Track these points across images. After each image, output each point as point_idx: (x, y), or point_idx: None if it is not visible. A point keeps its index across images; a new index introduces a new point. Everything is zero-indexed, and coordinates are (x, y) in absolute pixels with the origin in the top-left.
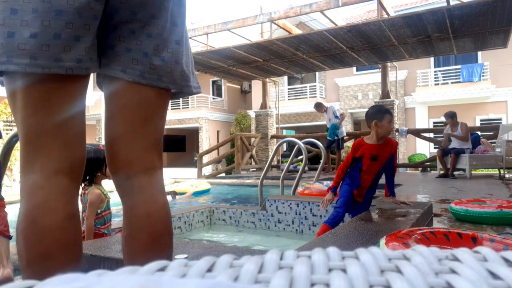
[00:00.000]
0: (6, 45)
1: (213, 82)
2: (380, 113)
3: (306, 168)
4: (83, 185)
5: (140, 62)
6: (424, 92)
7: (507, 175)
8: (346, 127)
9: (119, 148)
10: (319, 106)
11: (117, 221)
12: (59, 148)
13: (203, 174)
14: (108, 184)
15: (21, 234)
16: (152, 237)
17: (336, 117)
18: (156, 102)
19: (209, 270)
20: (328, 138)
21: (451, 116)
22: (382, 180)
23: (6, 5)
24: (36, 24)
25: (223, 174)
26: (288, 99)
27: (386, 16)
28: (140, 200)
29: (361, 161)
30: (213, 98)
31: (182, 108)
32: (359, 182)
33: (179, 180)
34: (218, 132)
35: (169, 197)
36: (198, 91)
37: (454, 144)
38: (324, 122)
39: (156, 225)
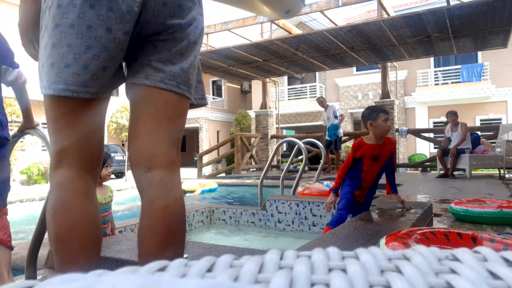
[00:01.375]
0: (49, 73)
1: (213, 82)
2: (374, 112)
3: (306, 168)
4: None
5: (161, 70)
6: (424, 92)
7: (507, 175)
8: (346, 127)
9: (144, 142)
10: (321, 101)
11: (117, 221)
12: (81, 151)
13: (203, 174)
14: (111, 184)
15: (51, 211)
16: (169, 229)
17: (336, 117)
18: (177, 104)
19: (209, 270)
20: (327, 138)
21: (455, 114)
22: (382, 180)
23: (48, 39)
24: (70, 56)
25: (223, 174)
26: (288, 99)
27: (386, 16)
28: (160, 193)
29: (362, 162)
30: (213, 98)
31: None
32: (360, 183)
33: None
34: (218, 132)
35: None
36: (204, 103)
37: (454, 144)
38: (322, 122)
39: (173, 218)
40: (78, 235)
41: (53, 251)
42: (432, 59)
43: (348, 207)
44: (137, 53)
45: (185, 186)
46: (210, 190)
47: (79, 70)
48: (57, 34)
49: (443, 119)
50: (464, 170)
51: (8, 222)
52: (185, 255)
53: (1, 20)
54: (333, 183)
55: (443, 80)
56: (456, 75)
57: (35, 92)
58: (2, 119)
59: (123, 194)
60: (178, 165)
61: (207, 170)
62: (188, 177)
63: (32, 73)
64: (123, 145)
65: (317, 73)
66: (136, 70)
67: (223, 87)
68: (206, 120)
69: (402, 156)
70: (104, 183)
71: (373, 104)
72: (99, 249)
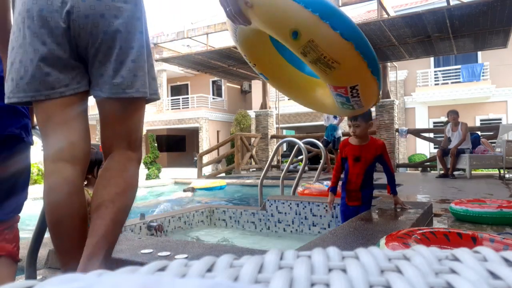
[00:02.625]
0: (11, 85)
1: (213, 82)
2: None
3: (306, 168)
4: None
5: (107, 82)
6: (424, 92)
7: (507, 175)
8: (346, 127)
9: (105, 143)
10: None
11: None
12: (63, 142)
13: (203, 174)
14: None
15: (46, 199)
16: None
17: (335, 117)
18: (129, 109)
19: (209, 270)
20: (324, 138)
21: (457, 114)
22: (384, 180)
23: (10, 59)
24: (21, 70)
25: (223, 174)
26: (288, 99)
27: (386, 16)
28: (116, 165)
29: (347, 162)
30: (213, 98)
31: (182, 108)
32: (348, 183)
33: (179, 180)
34: (218, 132)
35: (189, 193)
36: (156, 98)
37: (454, 144)
38: (322, 122)
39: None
40: (68, 220)
41: (52, 235)
42: (432, 59)
43: (344, 220)
44: (91, 70)
45: (193, 184)
46: (220, 187)
47: (29, 79)
48: (12, 54)
49: (443, 119)
50: (464, 170)
51: (18, 231)
52: (185, 255)
53: None
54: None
55: (443, 80)
56: (456, 75)
57: None
58: (28, 123)
59: None
60: (135, 160)
61: (207, 170)
62: (188, 177)
63: None
64: None
65: None
66: (93, 85)
67: (223, 87)
68: (206, 120)
69: (402, 156)
70: None
71: None
72: (86, 224)
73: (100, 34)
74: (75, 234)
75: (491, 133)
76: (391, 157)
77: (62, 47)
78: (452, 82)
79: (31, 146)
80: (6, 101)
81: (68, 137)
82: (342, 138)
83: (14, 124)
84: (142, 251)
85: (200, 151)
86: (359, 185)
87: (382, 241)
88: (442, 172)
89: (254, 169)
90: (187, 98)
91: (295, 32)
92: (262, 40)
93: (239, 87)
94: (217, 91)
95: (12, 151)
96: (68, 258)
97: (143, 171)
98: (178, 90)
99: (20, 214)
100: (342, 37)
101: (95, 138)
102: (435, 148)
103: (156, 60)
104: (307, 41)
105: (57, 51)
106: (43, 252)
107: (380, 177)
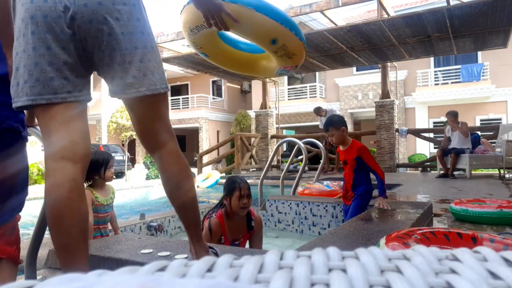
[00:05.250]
0: (16, 90)
1: (213, 82)
2: (343, 122)
3: (306, 168)
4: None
5: (119, 84)
6: (424, 92)
7: (507, 175)
8: None
9: (143, 137)
10: (318, 111)
11: (118, 222)
12: (64, 142)
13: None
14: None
15: (47, 196)
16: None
17: None
18: (147, 104)
19: (209, 270)
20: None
21: (455, 115)
22: (388, 181)
23: (14, 65)
24: (25, 74)
25: (223, 174)
26: (288, 99)
27: (386, 16)
28: (163, 163)
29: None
30: (213, 98)
31: (182, 108)
32: (344, 184)
33: None
34: (218, 132)
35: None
36: (167, 90)
37: (454, 144)
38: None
39: (177, 177)
40: (66, 216)
41: (51, 229)
42: (432, 59)
43: (345, 218)
44: (104, 75)
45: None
46: (217, 181)
47: (33, 83)
48: (16, 60)
49: (443, 119)
50: (464, 170)
51: (19, 232)
52: (185, 255)
53: None
54: (334, 183)
55: (443, 80)
56: (456, 75)
57: None
58: (24, 118)
59: (123, 194)
60: (171, 141)
61: (207, 170)
62: None
63: None
64: (123, 145)
65: (317, 73)
66: (110, 87)
67: (223, 87)
68: (206, 120)
69: (402, 156)
70: (107, 183)
71: (373, 104)
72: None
73: (104, 37)
74: (74, 231)
75: (491, 133)
76: (391, 157)
77: (67, 52)
78: (452, 82)
79: (31, 147)
80: (13, 105)
81: (69, 137)
82: None
83: (12, 118)
84: (142, 251)
85: (200, 151)
86: (350, 185)
87: (382, 241)
88: (442, 172)
89: (254, 169)
90: (187, 98)
91: (274, 40)
92: (212, 34)
93: (239, 87)
94: (217, 91)
95: (11, 145)
96: (68, 257)
97: (143, 171)
98: (178, 90)
99: (21, 215)
100: (300, 40)
101: (95, 138)
102: (435, 148)
103: None
104: (281, 45)
105: (62, 55)
106: (43, 252)
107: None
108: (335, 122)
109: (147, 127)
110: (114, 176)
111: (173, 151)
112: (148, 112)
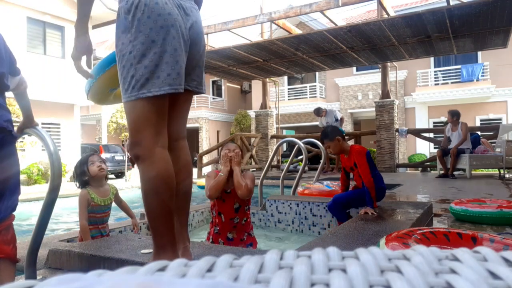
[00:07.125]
0: (154, 83)
1: (213, 82)
2: (338, 132)
3: (306, 168)
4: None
5: (194, 80)
6: (424, 92)
7: (507, 175)
8: (346, 127)
9: (175, 131)
10: (318, 111)
11: (118, 221)
12: (164, 132)
13: (203, 174)
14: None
15: (158, 180)
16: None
17: (337, 120)
18: (191, 100)
19: (209, 270)
20: None
21: (454, 115)
22: (388, 180)
23: (153, 62)
24: (168, 68)
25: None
26: (288, 99)
27: (386, 16)
28: (182, 153)
29: (352, 172)
30: (213, 98)
31: None
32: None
33: None
34: (218, 132)
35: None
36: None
37: (454, 144)
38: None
39: (189, 166)
40: (171, 189)
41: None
42: (432, 59)
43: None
44: (189, 72)
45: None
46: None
47: (176, 75)
48: (155, 57)
49: (443, 119)
50: (464, 170)
51: (14, 231)
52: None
53: (2, 24)
54: (333, 183)
55: (443, 80)
56: (456, 75)
57: (35, 92)
58: (11, 118)
59: (123, 194)
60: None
61: (207, 170)
62: None
63: (32, 76)
64: (123, 145)
65: (317, 73)
66: (187, 82)
67: (223, 87)
68: (206, 120)
69: (402, 156)
70: (108, 183)
71: (373, 104)
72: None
73: (201, 47)
74: (171, 215)
75: (491, 133)
76: (391, 157)
77: (186, 55)
78: (452, 82)
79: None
80: (151, 94)
81: (165, 127)
82: None
83: (2, 117)
84: (142, 251)
85: (200, 151)
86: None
87: (382, 241)
88: (442, 172)
89: (254, 169)
90: None
91: (112, 89)
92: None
93: (239, 87)
94: (217, 91)
95: (4, 145)
96: (165, 239)
97: None
98: None
99: (20, 215)
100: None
101: (95, 138)
102: (435, 148)
103: None
104: (117, 91)
105: (185, 57)
106: (43, 252)
107: (384, 177)
108: (328, 134)
109: (185, 120)
110: (113, 176)
111: (186, 143)
112: (190, 106)
